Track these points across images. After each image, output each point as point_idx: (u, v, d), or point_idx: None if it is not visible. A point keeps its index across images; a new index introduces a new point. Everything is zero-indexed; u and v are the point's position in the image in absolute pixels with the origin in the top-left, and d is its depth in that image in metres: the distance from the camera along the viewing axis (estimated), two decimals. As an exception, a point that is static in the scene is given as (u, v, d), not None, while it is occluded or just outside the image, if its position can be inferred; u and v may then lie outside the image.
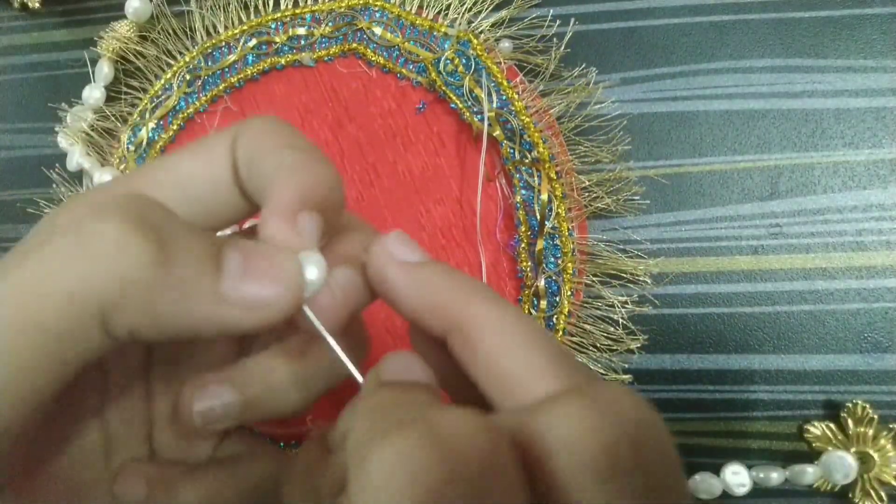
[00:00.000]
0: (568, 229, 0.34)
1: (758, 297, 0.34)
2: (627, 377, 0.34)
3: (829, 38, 0.34)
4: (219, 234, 0.22)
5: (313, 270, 0.18)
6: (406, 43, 0.35)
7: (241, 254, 0.18)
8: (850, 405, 0.32)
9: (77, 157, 0.36)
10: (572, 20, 0.35)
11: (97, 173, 0.36)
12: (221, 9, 0.37)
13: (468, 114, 0.34)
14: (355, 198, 0.36)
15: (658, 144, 0.35)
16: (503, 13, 0.35)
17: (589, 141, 0.34)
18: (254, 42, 0.37)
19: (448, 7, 0.35)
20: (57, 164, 0.38)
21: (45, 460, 0.21)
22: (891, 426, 0.32)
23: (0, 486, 0.19)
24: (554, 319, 0.34)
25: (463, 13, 0.35)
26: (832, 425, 0.33)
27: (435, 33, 0.35)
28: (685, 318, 0.34)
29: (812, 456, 0.33)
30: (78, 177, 0.38)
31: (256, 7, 0.37)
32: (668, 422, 0.34)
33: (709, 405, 0.34)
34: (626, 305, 0.34)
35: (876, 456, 0.32)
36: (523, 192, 0.34)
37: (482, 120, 0.33)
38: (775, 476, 0.32)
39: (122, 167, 0.37)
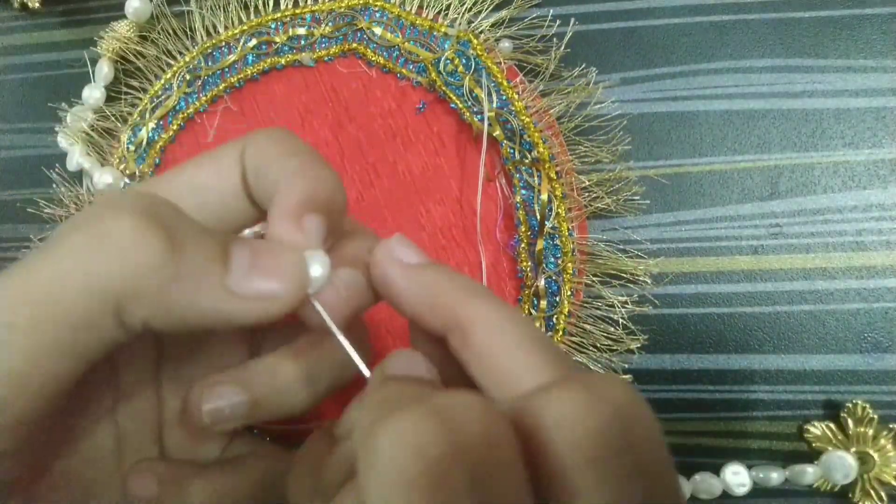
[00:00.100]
0: (568, 229, 0.34)
1: (758, 297, 0.34)
2: (627, 377, 0.34)
3: (829, 38, 0.34)
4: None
5: (317, 268, 0.19)
6: (406, 43, 0.35)
7: (249, 250, 0.19)
8: (850, 405, 0.32)
9: (77, 157, 0.36)
10: (572, 20, 0.35)
11: (97, 173, 0.36)
12: (221, 9, 0.37)
13: (468, 114, 0.34)
14: (355, 198, 0.36)
15: (658, 144, 0.35)
16: (503, 13, 0.35)
17: (589, 141, 0.34)
18: (254, 42, 0.37)
19: (448, 7, 0.35)
20: (57, 164, 0.38)
21: (59, 458, 0.21)
22: (891, 426, 0.32)
23: (9, 485, 0.19)
24: (554, 319, 0.34)
25: (463, 13, 0.35)
26: (832, 425, 0.33)
27: (435, 33, 0.35)
28: (685, 318, 0.34)
29: (812, 456, 0.33)
30: (78, 177, 0.38)
31: (256, 7, 0.37)
32: (668, 422, 0.34)
33: (709, 405, 0.34)
34: (626, 305, 0.34)
35: (876, 456, 0.32)
36: (523, 192, 0.34)
37: (482, 120, 0.33)
38: (775, 476, 0.32)
39: (121, 167, 0.37)
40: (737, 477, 0.32)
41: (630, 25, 0.35)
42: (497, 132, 0.34)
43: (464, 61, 0.34)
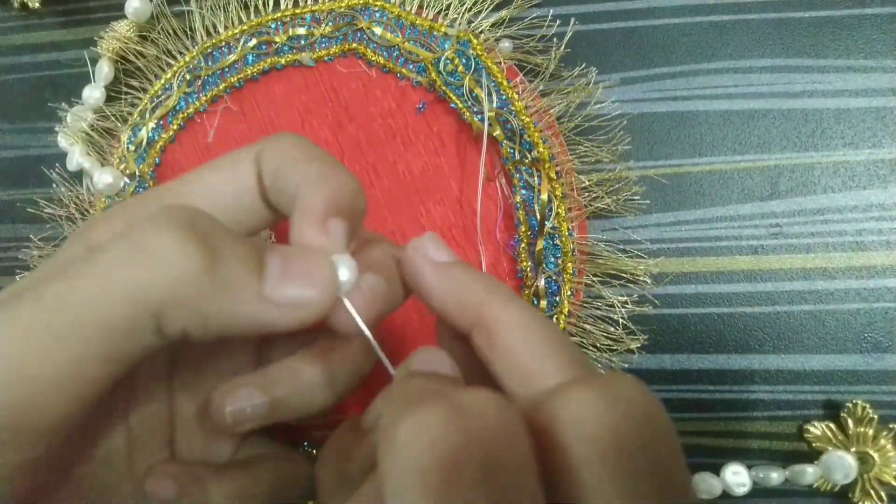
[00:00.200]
0: (568, 229, 0.34)
1: (758, 297, 0.34)
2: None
3: (829, 38, 0.34)
4: None
5: (345, 272, 0.19)
6: (406, 43, 0.35)
7: (281, 257, 0.19)
8: (850, 405, 0.32)
9: (77, 157, 0.36)
10: (572, 20, 0.35)
11: (97, 173, 0.36)
12: (221, 9, 0.37)
13: (468, 114, 0.34)
14: (355, 198, 0.36)
15: (658, 144, 0.35)
16: (503, 13, 0.35)
17: (589, 141, 0.34)
18: (254, 42, 0.37)
19: (448, 7, 0.35)
20: (57, 164, 0.38)
21: (78, 462, 0.22)
22: (891, 426, 0.32)
23: (36, 491, 0.19)
24: (554, 319, 0.34)
25: (463, 13, 0.35)
26: (832, 425, 0.33)
27: (435, 33, 0.35)
28: (685, 318, 0.34)
29: (812, 456, 0.33)
30: (78, 177, 0.38)
31: (256, 7, 0.37)
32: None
33: (709, 405, 0.34)
34: (626, 305, 0.34)
35: (876, 456, 0.32)
36: (523, 192, 0.34)
37: (482, 120, 0.33)
38: (775, 476, 0.32)
39: (121, 167, 0.37)
40: (737, 477, 0.32)
41: (630, 25, 0.35)
42: (497, 132, 0.34)
43: (464, 61, 0.34)
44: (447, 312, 0.21)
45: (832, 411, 0.33)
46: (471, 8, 0.35)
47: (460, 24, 0.35)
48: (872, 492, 0.32)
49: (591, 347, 0.34)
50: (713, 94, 0.35)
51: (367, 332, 0.20)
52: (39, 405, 0.17)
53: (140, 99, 0.37)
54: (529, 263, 0.34)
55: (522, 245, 0.34)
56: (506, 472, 0.14)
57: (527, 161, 0.34)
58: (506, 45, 0.34)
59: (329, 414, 0.25)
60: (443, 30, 0.35)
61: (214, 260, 0.18)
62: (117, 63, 0.38)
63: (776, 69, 0.34)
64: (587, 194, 0.34)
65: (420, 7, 0.36)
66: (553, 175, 0.33)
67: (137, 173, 0.37)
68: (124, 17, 0.37)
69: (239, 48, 0.37)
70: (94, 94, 0.37)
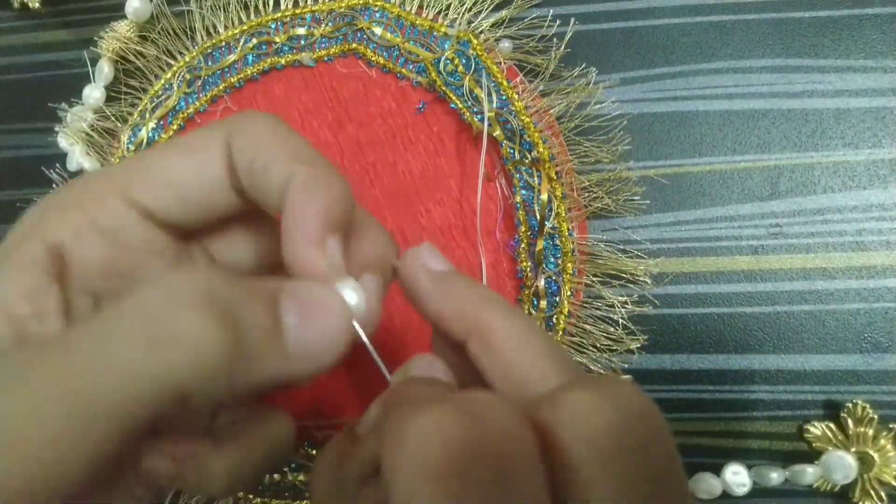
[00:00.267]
0: (568, 229, 0.34)
1: (758, 297, 0.34)
2: (627, 377, 0.34)
3: (829, 38, 0.34)
4: None
5: (352, 296, 0.20)
6: (406, 43, 0.35)
7: (296, 305, 0.19)
8: (850, 405, 0.32)
9: (77, 157, 0.36)
10: (572, 20, 0.35)
11: (97, 173, 0.36)
12: (221, 9, 0.37)
13: (468, 114, 0.34)
14: (355, 197, 0.35)
15: (658, 144, 0.35)
16: (503, 13, 0.35)
17: (589, 141, 0.34)
18: (254, 42, 0.37)
19: (448, 7, 0.35)
20: (57, 164, 0.38)
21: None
22: (891, 426, 0.32)
23: None
24: (554, 319, 0.34)
25: (463, 13, 0.35)
26: (832, 425, 0.33)
27: (435, 33, 0.35)
28: (685, 318, 0.34)
29: (812, 456, 0.33)
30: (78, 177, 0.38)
31: (256, 7, 0.37)
32: (669, 422, 0.34)
33: (709, 405, 0.34)
34: (626, 305, 0.34)
35: (876, 456, 0.32)
36: (523, 192, 0.34)
37: (482, 120, 0.33)
38: (775, 476, 0.32)
39: (122, 167, 0.37)
40: (737, 477, 0.32)
41: (630, 25, 0.35)
42: (497, 132, 0.34)
43: (464, 61, 0.34)
44: (443, 321, 0.21)
45: (832, 411, 0.33)
46: (471, 8, 0.35)
47: (460, 24, 0.35)
48: (872, 492, 0.32)
49: (591, 347, 0.34)
50: (713, 94, 0.35)
51: (370, 346, 0.20)
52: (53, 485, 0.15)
53: (140, 99, 0.37)
54: (529, 263, 0.34)
55: (522, 245, 0.34)
56: (515, 470, 0.14)
57: (527, 161, 0.34)
58: (506, 45, 0.34)
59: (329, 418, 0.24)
60: (443, 30, 0.35)
61: (238, 332, 0.17)
62: (117, 63, 0.38)
63: (776, 69, 0.34)
64: (587, 194, 0.34)
65: (420, 7, 0.36)
66: (553, 175, 0.33)
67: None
68: (124, 17, 0.37)
69: (239, 48, 0.37)
70: (94, 94, 0.37)
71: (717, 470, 0.33)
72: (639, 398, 0.16)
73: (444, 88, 0.34)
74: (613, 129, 0.34)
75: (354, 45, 0.36)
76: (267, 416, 0.25)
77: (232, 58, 0.37)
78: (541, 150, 0.33)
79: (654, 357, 0.34)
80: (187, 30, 0.37)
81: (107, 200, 0.20)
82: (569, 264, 0.34)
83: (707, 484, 0.32)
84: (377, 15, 0.36)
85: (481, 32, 0.35)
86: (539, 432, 0.15)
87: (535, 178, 0.34)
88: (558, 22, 0.35)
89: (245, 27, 0.37)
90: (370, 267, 0.21)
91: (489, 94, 0.34)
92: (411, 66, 0.35)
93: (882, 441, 0.32)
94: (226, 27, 0.37)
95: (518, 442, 0.14)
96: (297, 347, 0.18)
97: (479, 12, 0.35)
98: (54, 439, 0.15)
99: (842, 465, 0.31)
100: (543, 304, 0.34)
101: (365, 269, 0.21)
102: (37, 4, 0.39)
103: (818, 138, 0.34)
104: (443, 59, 0.34)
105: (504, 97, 0.34)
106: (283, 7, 0.37)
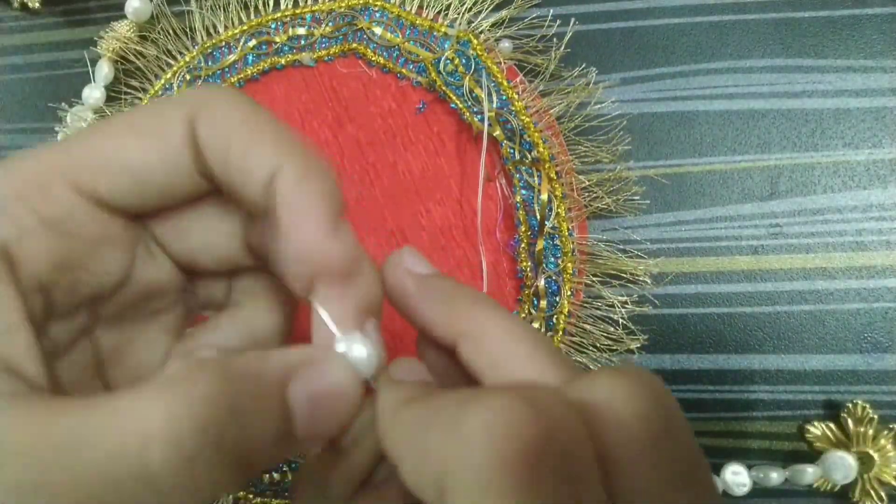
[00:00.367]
0: (568, 229, 0.34)
1: (758, 297, 0.34)
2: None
3: (829, 38, 0.34)
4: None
5: (361, 350, 0.19)
6: (406, 43, 0.35)
7: (306, 395, 0.18)
8: (850, 405, 0.32)
9: (77, 157, 0.36)
10: (572, 20, 0.35)
11: (97, 173, 0.36)
12: (221, 9, 0.37)
13: (468, 114, 0.34)
14: (355, 198, 0.36)
15: (658, 144, 0.35)
16: (503, 13, 0.35)
17: (589, 141, 0.34)
18: (254, 42, 0.37)
19: (448, 7, 0.35)
20: (57, 164, 0.38)
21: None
22: (891, 426, 0.32)
23: None
24: (554, 319, 0.34)
25: (463, 13, 0.35)
26: (832, 425, 0.33)
27: (435, 33, 0.35)
28: (685, 318, 0.34)
29: (812, 456, 0.33)
30: (78, 177, 0.38)
31: (256, 7, 0.37)
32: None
33: (709, 405, 0.34)
34: (626, 305, 0.34)
35: (876, 456, 0.32)
36: (523, 192, 0.34)
37: (482, 120, 0.33)
38: (775, 476, 0.32)
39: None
40: (737, 477, 0.32)
41: (630, 25, 0.35)
42: (497, 132, 0.34)
43: (464, 61, 0.34)
44: (432, 324, 0.20)
45: (832, 411, 0.33)
46: (471, 8, 0.35)
47: (460, 24, 0.35)
48: (872, 492, 0.32)
49: (591, 347, 0.34)
50: (713, 94, 0.35)
51: (378, 392, 0.20)
52: None
53: (140, 99, 0.37)
54: (529, 263, 0.34)
55: (522, 245, 0.34)
56: (578, 462, 0.14)
57: (527, 161, 0.34)
58: (506, 45, 0.34)
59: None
60: (443, 30, 0.35)
61: (252, 467, 0.17)
62: (117, 63, 0.38)
63: (776, 69, 0.34)
64: (587, 194, 0.34)
65: (420, 7, 0.36)
66: (553, 175, 0.33)
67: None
68: (124, 17, 0.37)
69: (239, 48, 0.37)
70: (94, 94, 0.37)
71: (717, 470, 0.33)
72: (663, 387, 0.16)
73: (444, 88, 0.34)
74: (613, 129, 0.34)
75: (354, 45, 0.36)
76: (268, 296, 0.24)
77: (232, 58, 0.37)
78: (541, 150, 0.33)
79: (654, 357, 0.34)
80: (187, 30, 0.37)
81: (52, 189, 0.18)
82: (569, 264, 0.34)
83: (707, 484, 0.32)
84: (377, 15, 0.36)
85: (481, 32, 0.35)
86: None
87: (535, 178, 0.34)
88: (558, 22, 0.35)
89: (245, 27, 0.37)
90: (370, 310, 0.20)
91: (489, 94, 0.34)
92: (411, 66, 0.35)
93: (882, 441, 0.32)
94: (226, 27, 0.37)
95: (579, 434, 0.14)
96: (306, 431, 0.18)
97: (479, 12, 0.35)
98: None
99: (842, 464, 0.31)
100: (543, 303, 0.34)
101: (366, 311, 0.20)
102: (37, 4, 0.39)
103: (818, 138, 0.34)
104: (443, 59, 0.34)
105: (504, 97, 0.34)
106: (283, 7, 0.37)
